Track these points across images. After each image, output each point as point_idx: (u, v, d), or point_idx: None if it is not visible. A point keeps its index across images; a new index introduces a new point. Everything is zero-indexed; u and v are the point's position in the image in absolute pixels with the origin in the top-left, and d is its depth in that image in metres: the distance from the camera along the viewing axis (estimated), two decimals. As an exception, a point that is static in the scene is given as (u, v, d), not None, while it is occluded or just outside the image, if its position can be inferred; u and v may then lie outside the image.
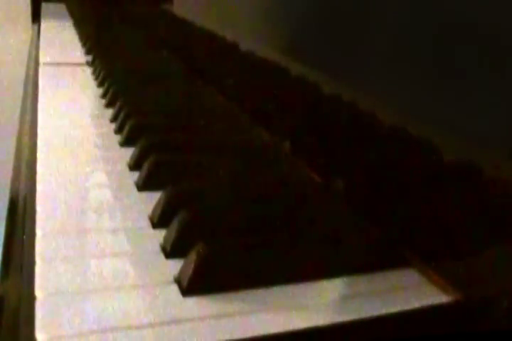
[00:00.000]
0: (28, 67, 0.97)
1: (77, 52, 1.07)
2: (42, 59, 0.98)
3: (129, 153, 0.53)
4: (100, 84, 0.81)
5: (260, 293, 0.33)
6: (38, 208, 0.42)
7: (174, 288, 0.33)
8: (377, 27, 0.43)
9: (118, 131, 0.61)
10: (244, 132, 0.62)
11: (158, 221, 0.40)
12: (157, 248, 0.37)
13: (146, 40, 1.18)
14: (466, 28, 0.33)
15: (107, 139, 0.59)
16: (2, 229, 0.40)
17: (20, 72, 0.96)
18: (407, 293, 0.34)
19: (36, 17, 1.53)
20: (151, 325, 0.30)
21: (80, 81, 0.85)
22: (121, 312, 0.31)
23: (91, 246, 0.38)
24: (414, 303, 0.33)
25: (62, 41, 1.21)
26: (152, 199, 0.43)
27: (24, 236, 0.39)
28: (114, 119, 0.64)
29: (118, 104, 0.66)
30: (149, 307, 0.31)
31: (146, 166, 0.47)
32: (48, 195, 0.45)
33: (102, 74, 0.82)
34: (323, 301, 0.33)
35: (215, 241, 0.35)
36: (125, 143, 0.57)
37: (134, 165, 0.51)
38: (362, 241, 0.37)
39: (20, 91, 0.81)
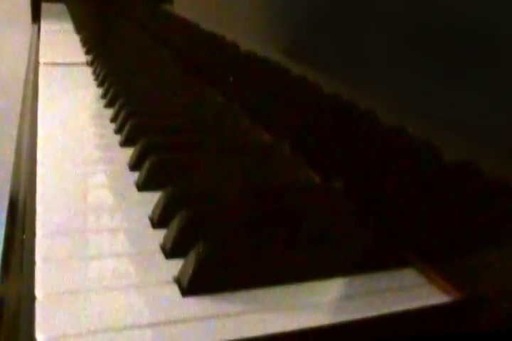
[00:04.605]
0: (27, 66, 0.97)
1: (77, 53, 1.07)
2: (42, 59, 0.98)
3: (129, 153, 0.53)
4: (100, 84, 0.81)
5: (260, 293, 0.33)
6: (38, 208, 0.42)
7: (174, 288, 0.33)
8: (377, 27, 0.42)
9: (118, 131, 0.61)
10: (244, 132, 0.62)
11: (158, 221, 0.40)
12: (157, 248, 0.37)
13: (146, 40, 1.18)
14: (467, 28, 0.33)
15: (107, 139, 0.59)
16: (2, 229, 0.40)
17: (20, 72, 0.96)
18: (407, 293, 0.34)
19: (36, 17, 1.53)
20: (151, 325, 0.30)
21: (80, 81, 0.85)
22: (121, 312, 0.31)
23: (91, 246, 0.38)
24: (414, 303, 0.33)
25: (62, 41, 1.21)
26: (152, 199, 0.43)
27: (24, 236, 0.39)
28: (114, 119, 0.64)
29: (118, 104, 0.66)
30: (149, 307, 0.31)
31: (146, 166, 0.47)
32: (48, 195, 0.44)
33: (102, 74, 0.83)
34: (323, 301, 0.33)
35: (215, 241, 0.35)
36: (125, 143, 0.57)
37: (134, 165, 0.51)
38: (362, 241, 0.37)
39: (20, 92, 0.81)
